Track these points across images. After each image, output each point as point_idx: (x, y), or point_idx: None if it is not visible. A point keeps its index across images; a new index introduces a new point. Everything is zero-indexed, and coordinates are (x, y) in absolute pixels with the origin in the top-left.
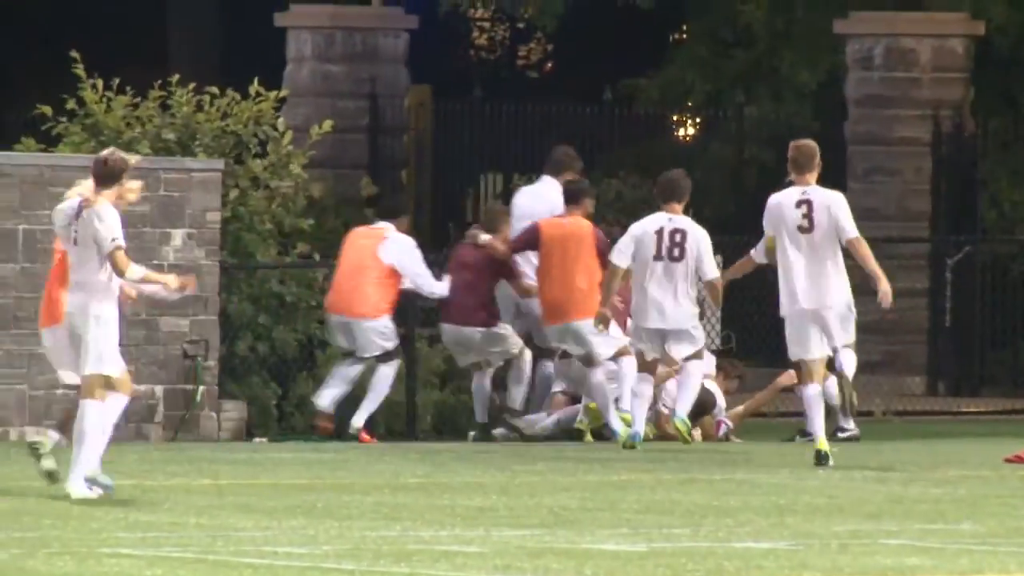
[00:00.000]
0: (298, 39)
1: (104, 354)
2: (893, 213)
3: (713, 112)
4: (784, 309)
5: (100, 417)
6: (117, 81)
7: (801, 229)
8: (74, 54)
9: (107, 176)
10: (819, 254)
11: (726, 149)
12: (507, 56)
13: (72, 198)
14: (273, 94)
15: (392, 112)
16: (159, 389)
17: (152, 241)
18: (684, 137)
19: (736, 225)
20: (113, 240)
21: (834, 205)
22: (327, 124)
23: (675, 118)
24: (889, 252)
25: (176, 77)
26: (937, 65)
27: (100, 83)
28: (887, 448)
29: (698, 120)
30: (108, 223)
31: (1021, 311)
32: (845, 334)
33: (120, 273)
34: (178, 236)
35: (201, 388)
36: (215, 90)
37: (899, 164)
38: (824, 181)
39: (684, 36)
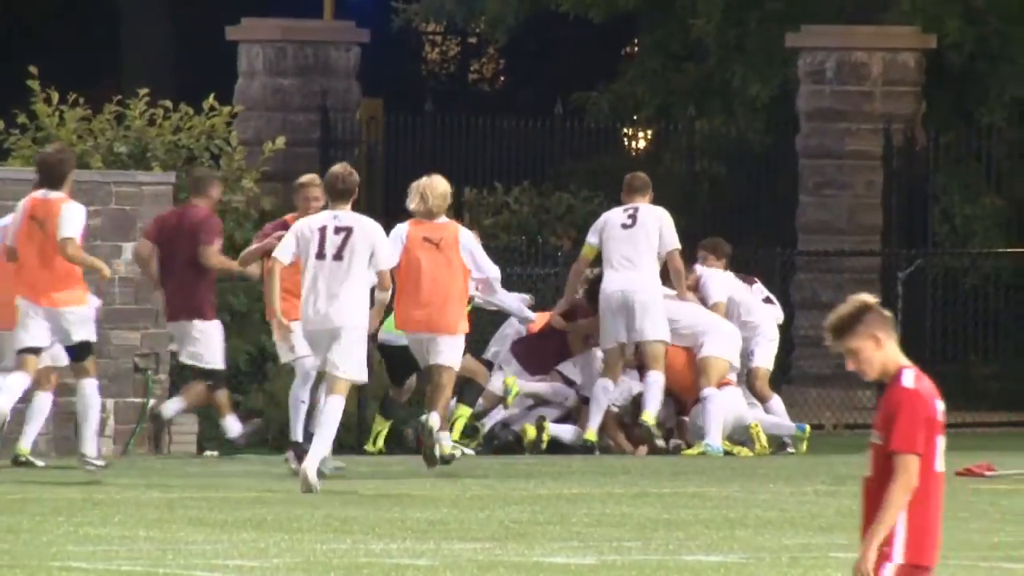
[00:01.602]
0: (249, 53)
1: None
2: (844, 226)
3: (664, 126)
4: None
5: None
6: (73, 96)
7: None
8: (32, 69)
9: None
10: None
11: (677, 163)
12: (459, 70)
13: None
14: (226, 109)
15: (344, 125)
16: (110, 403)
17: (103, 254)
18: (635, 151)
19: (687, 238)
20: None
21: None
22: (280, 140)
23: (626, 132)
24: (840, 265)
25: (144, 91)
26: (889, 79)
27: (55, 95)
28: (838, 461)
29: (649, 134)
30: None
31: (972, 325)
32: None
33: None
34: (129, 249)
35: (151, 401)
36: (168, 104)
37: (851, 177)
38: (776, 194)
39: (635, 50)
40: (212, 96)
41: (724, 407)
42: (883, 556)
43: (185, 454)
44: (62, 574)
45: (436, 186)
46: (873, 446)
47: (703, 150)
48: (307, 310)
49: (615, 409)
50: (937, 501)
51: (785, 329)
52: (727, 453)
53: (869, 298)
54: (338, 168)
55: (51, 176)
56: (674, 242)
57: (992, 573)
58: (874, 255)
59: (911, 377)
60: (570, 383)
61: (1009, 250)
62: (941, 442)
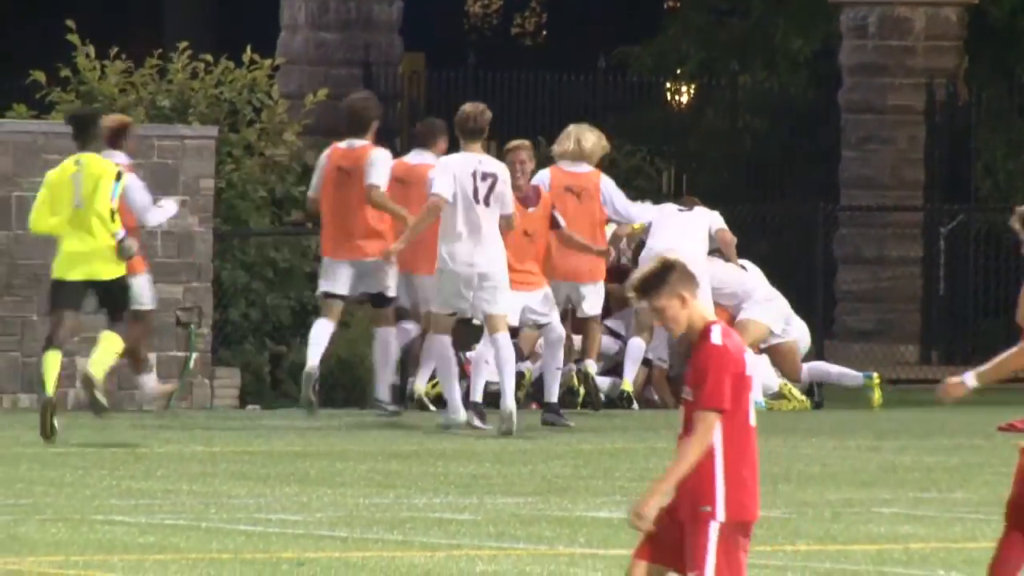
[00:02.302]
0: (292, 6)
1: None
2: (887, 181)
3: (707, 81)
4: None
5: None
6: (115, 50)
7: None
8: (69, 23)
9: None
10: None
11: (720, 118)
12: (502, 24)
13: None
14: (267, 62)
15: (386, 80)
16: (152, 356)
17: None
18: (678, 105)
19: (730, 193)
20: None
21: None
22: (322, 92)
23: (669, 86)
24: (883, 220)
25: (184, 45)
26: (931, 33)
27: (93, 50)
28: (880, 417)
29: (692, 88)
30: None
31: (1014, 280)
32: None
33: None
34: (173, 202)
35: (194, 355)
36: (209, 58)
37: (893, 132)
38: (819, 149)
39: (678, 4)
40: (249, 48)
41: (759, 365)
42: (707, 516)
43: (228, 408)
44: (104, 528)
45: (590, 132)
46: (685, 403)
47: (746, 105)
48: (456, 253)
49: (663, 365)
50: (753, 456)
51: (827, 284)
52: (768, 409)
53: (673, 256)
54: (468, 107)
55: (356, 123)
56: (720, 223)
57: None
58: (916, 210)
59: (719, 333)
60: (616, 336)
61: None
62: (749, 396)
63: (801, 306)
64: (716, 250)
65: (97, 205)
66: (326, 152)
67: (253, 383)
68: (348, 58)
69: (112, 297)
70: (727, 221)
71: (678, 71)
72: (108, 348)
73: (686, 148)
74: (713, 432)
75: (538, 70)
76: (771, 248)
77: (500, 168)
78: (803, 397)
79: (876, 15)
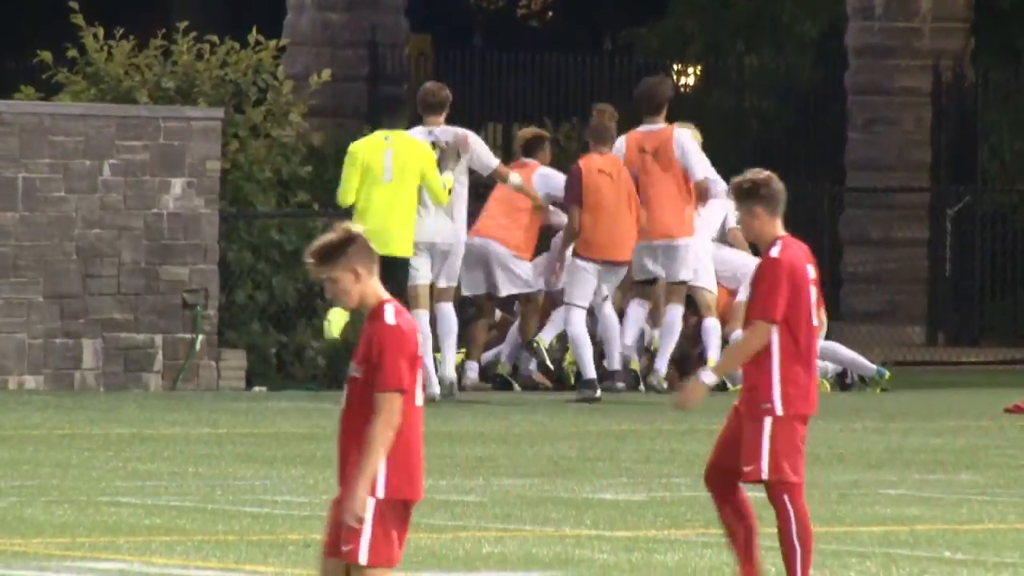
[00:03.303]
0: None
1: None
2: (894, 163)
3: (714, 62)
4: None
5: None
6: (120, 31)
7: None
8: (73, 3)
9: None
10: None
11: (727, 99)
12: (508, 5)
13: None
14: (273, 43)
15: (392, 61)
16: (158, 338)
17: (152, 189)
18: (685, 87)
19: (737, 174)
20: None
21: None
22: (326, 73)
23: (676, 68)
24: (889, 202)
25: (184, 24)
26: (938, 15)
27: (101, 31)
28: (887, 398)
29: (699, 70)
30: None
31: (1021, 262)
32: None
33: None
34: (178, 185)
35: (200, 337)
36: (215, 39)
37: (899, 114)
38: (825, 130)
39: None
40: (255, 29)
41: None
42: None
43: (234, 390)
44: (111, 509)
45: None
46: (351, 380)
47: (752, 86)
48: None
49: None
50: (418, 435)
51: (834, 265)
52: None
53: (355, 228)
54: (429, 84)
55: (650, 104)
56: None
57: None
58: (923, 192)
59: (392, 313)
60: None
61: None
62: (421, 376)
63: None
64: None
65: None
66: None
67: (259, 365)
68: (354, 39)
69: None
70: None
71: (684, 52)
72: None
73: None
74: (398, 412)
75: (544, 52)
76: None
77: (456, 134)
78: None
79: None
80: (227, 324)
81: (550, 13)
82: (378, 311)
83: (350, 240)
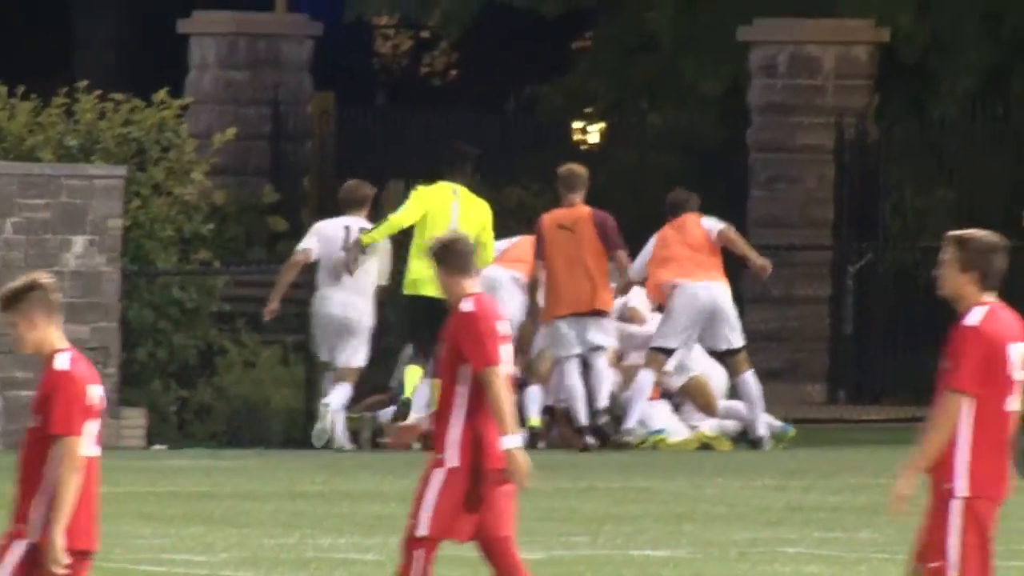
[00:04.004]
0: (201, 46)
1: None
2: (796, 221)
3: (616, 119)
4: None
5: None
6: (23, 89)
7: None
8: None
9: None
10: None
11: (629, 156)
12: (411, 64)
13: None
14: (177, 102)
15: (295, 119)
16: None
17: (53, 248)
18: (587, 145)
19: (640, 231)
20: None
21: None
22: (230, 132)
23: (578, 125)
24: (791, 259)
25: (87, 83)
26: (841, 72)
27: (3, 90)
28: (786, 456)
29: (602, 127)
30: None
31: (923, 319)
32: None
33: None
34: (79, 243)
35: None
36: (119, 96)
37: (802, 171)
38: (727, 189)
39: (588, 44)
40: (164, 90)
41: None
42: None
43: (134, 448)
44: None
45: None
46: (28, 429)
47: (655, 144)
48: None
49: (563, 406)
50: (91, 485)
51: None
52: (706, 445)
53: (42, 278)
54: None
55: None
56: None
57: None
58: (825, 249)
59: (66, 360)
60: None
61: None
62: (94, 425)
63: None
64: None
65: None
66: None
67: (159, 423)
68: (257, 97)
69: None
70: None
71: (587, 110)
72: None
73: (595, 187)
74: (78, 455)
75: (447, 109)
76: None
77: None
78: (720, 436)
79: (786, 54)
80: (128, 382)
81: (453, 71)
82: (50, 358)
83: (31, 288)
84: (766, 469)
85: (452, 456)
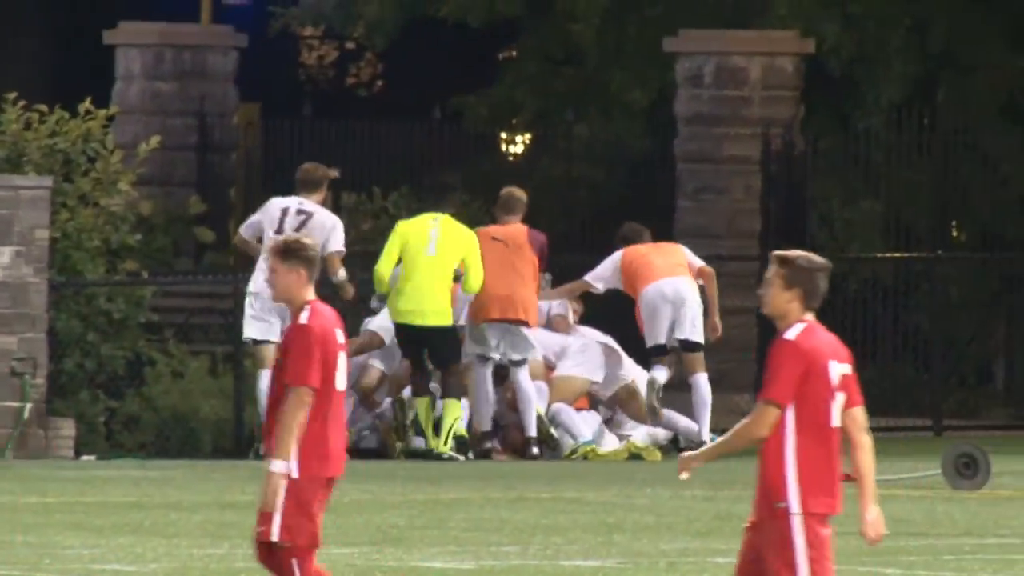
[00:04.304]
0: (127, 57)
1: None
2: (723, 231)
3: (542, 130)
4: None
5: None
6: None
7: None
8: None
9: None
10: None
11: (556, 167)
12: (337, 75)
13: None
14: (102, 112)
15: (221, 130)
16: None
17: None
18: (513, 155)
19: (565, 243)
20: None
21: None
22: (154, 140)
23: (504, 136)
24: (718, 270)
25: (13, 94)
26: (767, 83)
27: None
28: (714, 467)
29: (528, 138)
30: None
31: (851, 329)
32: None
33: None
34: (6, 253)
35: (28, 406)
36: (44, 108)
37: (729, 182)
38: (654, 200)
39: (514, 54)
40: (89, 100)
41: (589, 420)
42: None
43: (62, 458)
44: None
45: None
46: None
47: (581, 155)
48: None
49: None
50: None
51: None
52: (636, 456)
53: None
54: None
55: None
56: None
57: None
58: (752, 260)
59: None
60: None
61: (887, 255)
62: None
63: (635, 355)
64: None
65: None
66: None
67: (88, 434)
68: (183, 108)
69: None
70: (564, 271)
71: (513, 121)
72: None
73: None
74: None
75: (373, 120)
76: (606, 297)
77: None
78: (650, 447)
79: (712, 65)
80: (56, 393)
81: (379, 82)
82: None
83: None
84: (695, 480)
85: (293, 466)
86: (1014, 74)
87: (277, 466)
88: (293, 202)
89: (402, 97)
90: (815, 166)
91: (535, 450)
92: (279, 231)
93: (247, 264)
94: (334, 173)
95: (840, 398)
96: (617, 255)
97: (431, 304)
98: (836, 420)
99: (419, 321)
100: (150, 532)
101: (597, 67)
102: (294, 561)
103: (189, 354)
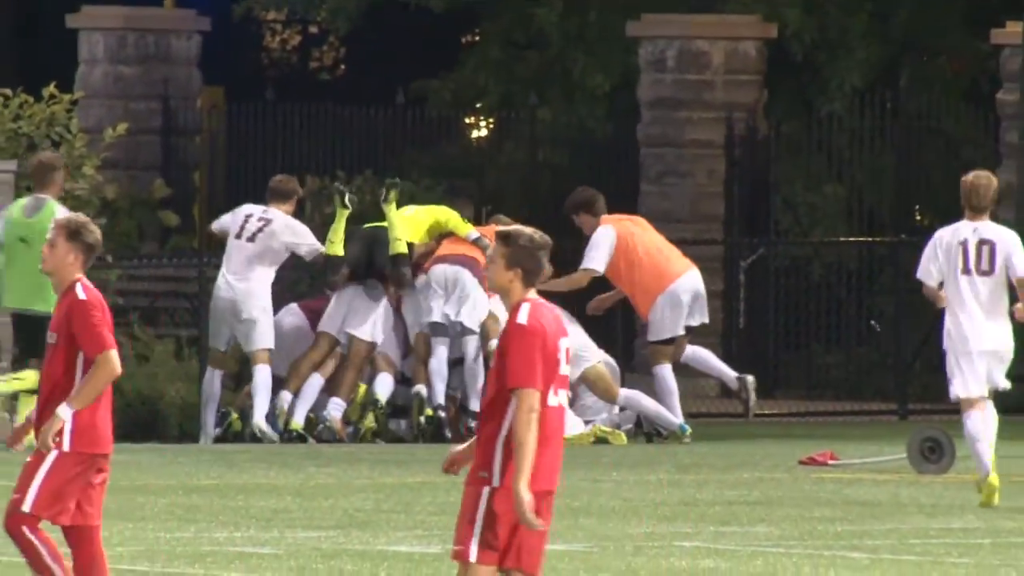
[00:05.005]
0: (90, 41)
1: None
2: (686, 215)
3: (506, 114)
4: None
5: None
6: None
7: None
8: None
9: None
10: None
11: (519, 152)
12: (300, 59)
13: None
14: (67, 96)
15: (185, 114)
16: None
17: None
18: (477, 140)
19: (529, 226)
20: None
21: None
22: (121, 127)
23: (468, 120)
24: (683, 254)
25: None
26: (730, 68)
27: None
28: (681, 450)
29: (491, 122)
30: None
31: (815, 314)
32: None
33: None
34: None
35: None
36: (8, 92)
37: (692, 167)
38: (618, 184)
39: (477, 38)
40: (53, 84)
41: None
42: None
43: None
44: None
45: None
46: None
47: (545, 139)
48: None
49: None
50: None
51: (626, 317)
52: (601, 440)
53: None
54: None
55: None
56: None
57: (835, 562)
58: (716, 244)
59: None
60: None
61: (851, 239)
62: None
63: (600, 339)
64: None
65: None
66: None
67: None
68: (147, 92)
69: None
70: None
71: (477, 105)
72: None
73: (485, 183)
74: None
75: (337, 105)
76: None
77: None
78: (615, 431)
79: (675, 49)
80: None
81: (343, 66)
82: None
83: None
84: (661, 464)
85: (64, 441)
86: (976, 58)
87: (63, 410)
88: (258, 210)
89: (365, 81)
90: (778, 150)
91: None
92: (239, 235)
93: (216, 248)
94: (300, 191)
95: (562, 373)
96: (608, 234)
97: None
98: (553, 399)
99: None
100: (116, 516)
101: (560, 51)
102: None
103: (155, 338)
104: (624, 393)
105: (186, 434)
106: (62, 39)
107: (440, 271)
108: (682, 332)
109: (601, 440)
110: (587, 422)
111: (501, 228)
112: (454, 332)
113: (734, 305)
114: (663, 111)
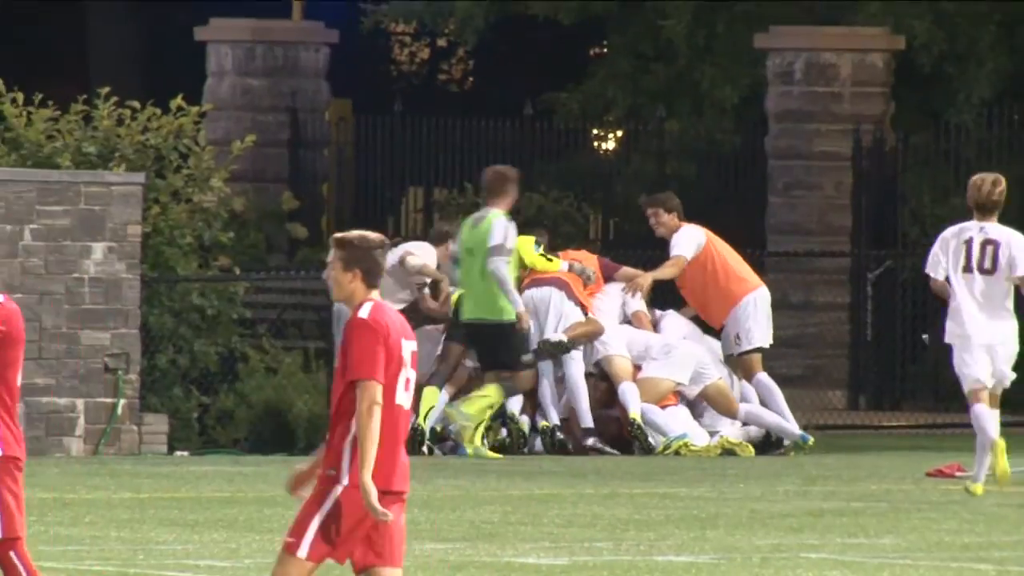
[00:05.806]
0: (218, 53)
1: None
2: (814, 228)
3: (634, 127)
4: None
5: None
6: (39, 96)
7: None
8: None
9: None
10: None
11: (647, 164)
12: (428, 72)
13: None
14: (194, 109)
15: (313, 126)
16: (80, 403)
17: (73, 254)
18: (605, 151)
19: (657, 239)
20: None
21: None
22: (249, 139)
23: (596, 132)
24: (810, 266)
25: (106, 90)
26: (857, 79)
27: (20, 97)
28: (808, 462)
29: (619, 134)
30: None
31: (942, 326)
32: None
33: None
34: (99, 249)
35: (122, 401)
36: (136, 104)
37: (820, 178)
38: (745, 195)
39: (605, 51)
40: (180, 96)
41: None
42: None
43: (156, 454)
44: None
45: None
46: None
47: (672, 151)
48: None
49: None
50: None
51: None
52: (729, 451)
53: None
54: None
55: None
56: (636, 305)
57: (962, 573)
58: (844, 256)
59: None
60: None
61: None
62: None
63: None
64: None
65: None
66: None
67: (181, 429)
68: (275, 104)
69: None
70: (654, 266)
71: (604, 117)
72: None
73: (613, 194)
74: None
75: (465, 117)
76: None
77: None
78: (742, 442)
79: (802, 61)
80: (149, 388)
81: (470, 79)
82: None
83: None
84: (788, 475)
85: None
86: None
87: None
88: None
89: (493, 94)
90: (905, 162)
91: (589, 441)
92: None
93: None
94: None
95: (407, 375)
96: (697, 231)
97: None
98: (401, 398)
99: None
100: (244, 528)
101: (688, 64)
102: None
103: (282, 350)
104: (744, 408)
105: (313, 445)
106: (190, 52)
107: (528, 296)
108: (771, 342)
109: (728, 452)
110: (712, 434)
111: (337, 234)
112: (560, 351)
113: (861, 318)
114: (791, 123)
